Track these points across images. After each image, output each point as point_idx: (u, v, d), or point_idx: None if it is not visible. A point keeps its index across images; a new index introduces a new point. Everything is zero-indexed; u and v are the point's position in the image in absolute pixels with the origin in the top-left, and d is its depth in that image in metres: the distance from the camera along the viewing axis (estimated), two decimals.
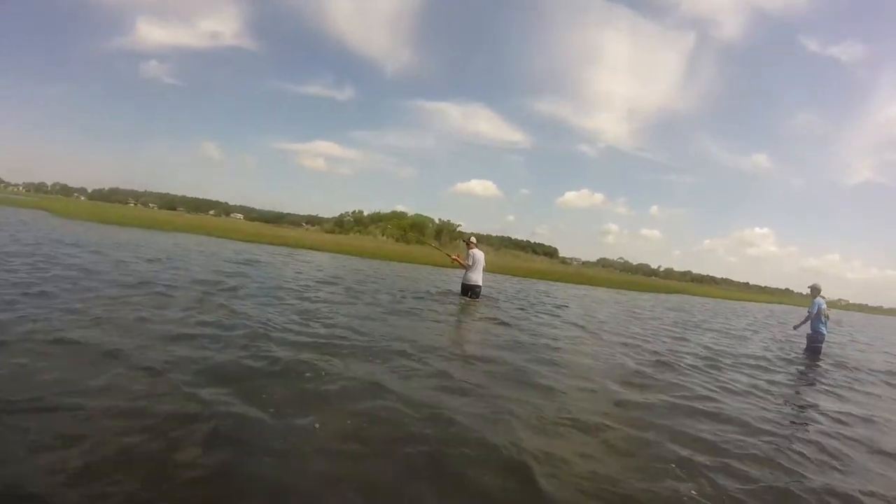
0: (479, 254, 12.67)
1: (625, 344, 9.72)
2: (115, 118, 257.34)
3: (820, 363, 10.82)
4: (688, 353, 9.64)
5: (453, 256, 13.95)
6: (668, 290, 47.15)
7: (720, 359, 9.44)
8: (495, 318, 10.51)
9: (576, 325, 11.83)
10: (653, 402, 5.59)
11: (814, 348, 11.61)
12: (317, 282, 13.46)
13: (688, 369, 7.88)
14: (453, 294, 13.93)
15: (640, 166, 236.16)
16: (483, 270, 12.94)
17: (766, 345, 13.37)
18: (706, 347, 10.95)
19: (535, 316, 12.54)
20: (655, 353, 9.03)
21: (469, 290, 12.76)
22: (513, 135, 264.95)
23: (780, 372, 9.06)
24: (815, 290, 11.64)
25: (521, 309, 13.55)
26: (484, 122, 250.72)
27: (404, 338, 7.18)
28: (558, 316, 13.34)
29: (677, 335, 12.66)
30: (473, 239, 13.02)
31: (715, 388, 6.75)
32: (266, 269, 15.31)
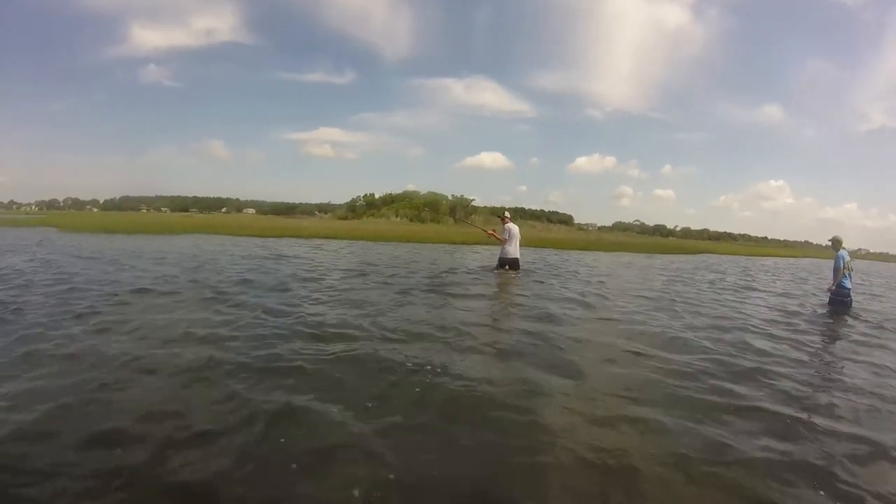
0: (514, 227, 13.03)
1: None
2: (119, 127, 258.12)
3: (847, 318, 10.10)
4: None
5: (489, 231, 14.44)
6: (694, 251, 45.57)
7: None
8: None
9: (644, 297, 11.26)
10: None
11: (838, 303, 11.03)
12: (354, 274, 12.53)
13: None
14: (488, 270, 14.10)
15: (650, 127, 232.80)
16: (518, 244, 13.25)
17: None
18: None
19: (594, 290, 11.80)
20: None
21: (507, 263, 13.17)
22: (518, 104, 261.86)
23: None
24: (837, 243, 11.08)
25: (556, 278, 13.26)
26: (488, 94, 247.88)
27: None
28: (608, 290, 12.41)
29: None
30: (507, 213, 13.43)
31: None
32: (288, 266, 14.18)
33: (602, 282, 14.01)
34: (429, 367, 4.77)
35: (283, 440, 3.23)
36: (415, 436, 3.42)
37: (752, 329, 8.06)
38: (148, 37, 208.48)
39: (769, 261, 44.24)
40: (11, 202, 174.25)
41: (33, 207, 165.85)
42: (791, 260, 51.19)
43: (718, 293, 13.36)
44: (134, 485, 2.68)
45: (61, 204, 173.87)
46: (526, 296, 9.87)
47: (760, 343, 6.91)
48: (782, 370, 5.57)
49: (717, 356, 5.93)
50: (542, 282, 12.56)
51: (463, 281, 11.81)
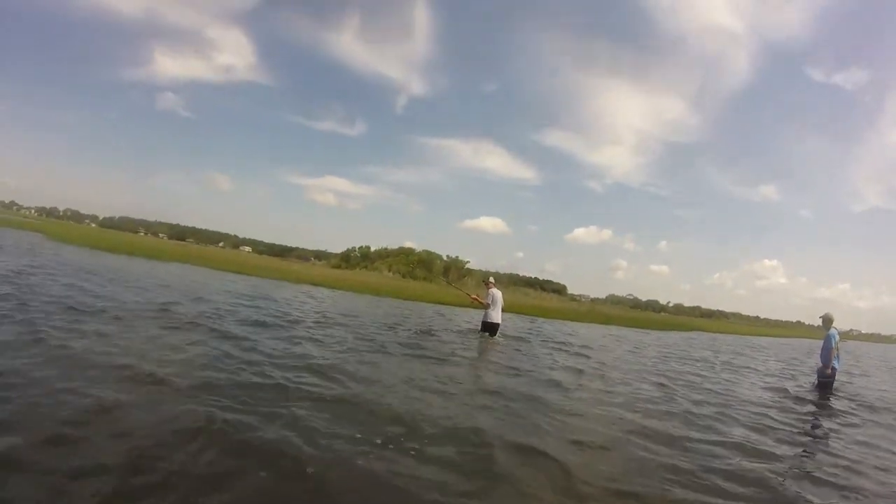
0: (497, 293, 13.47)
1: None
2: (129, 147, 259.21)
3: (831, 399, 10.16)
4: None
5: (473, 296, 14.38)
6: (686, 328, 44.90)
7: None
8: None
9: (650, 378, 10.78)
10: None
11: (824, 383, 10.93)
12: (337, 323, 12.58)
13: None
14: (473, 332, 14.36)
15: (648, 201, 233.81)
16: (501, 309, 13.65)
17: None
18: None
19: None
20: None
21: (489, 328, 13.46)
22: (522, 171, 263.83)
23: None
24: (828, 322, 10.81)
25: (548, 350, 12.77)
26: (493, 158, 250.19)
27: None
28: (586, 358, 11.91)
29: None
30: (492, 279, 14.17)
31: None
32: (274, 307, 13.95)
33: (590, 356, 13.59)
34: None
35: None
36: None
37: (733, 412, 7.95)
38: (169, 64, 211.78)
39: (762, 340, 44.37)
40: (12, 203, 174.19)
41: (33, 212, 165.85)
42: (782, 339, 50.61)
43: (710, 371, 13.47)
44: None
45: (60, 213, 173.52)
46: (508, 366, 9.63)
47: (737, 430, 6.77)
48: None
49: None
50: (531, 354, 12.14)
51: (447, 341, 12.06)
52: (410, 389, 6.54)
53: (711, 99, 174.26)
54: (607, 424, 6.20)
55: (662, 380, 10.35)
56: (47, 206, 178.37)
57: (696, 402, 8.13)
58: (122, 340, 6.97)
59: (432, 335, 13.09)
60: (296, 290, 22.76)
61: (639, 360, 14.16)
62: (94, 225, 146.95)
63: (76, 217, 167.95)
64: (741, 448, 5.79)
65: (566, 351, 13.98)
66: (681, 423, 6.67)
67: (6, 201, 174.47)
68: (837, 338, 10.60)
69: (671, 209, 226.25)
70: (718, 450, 5.59)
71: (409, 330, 13.54)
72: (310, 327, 11.33)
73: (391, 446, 4.37)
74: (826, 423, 8.13)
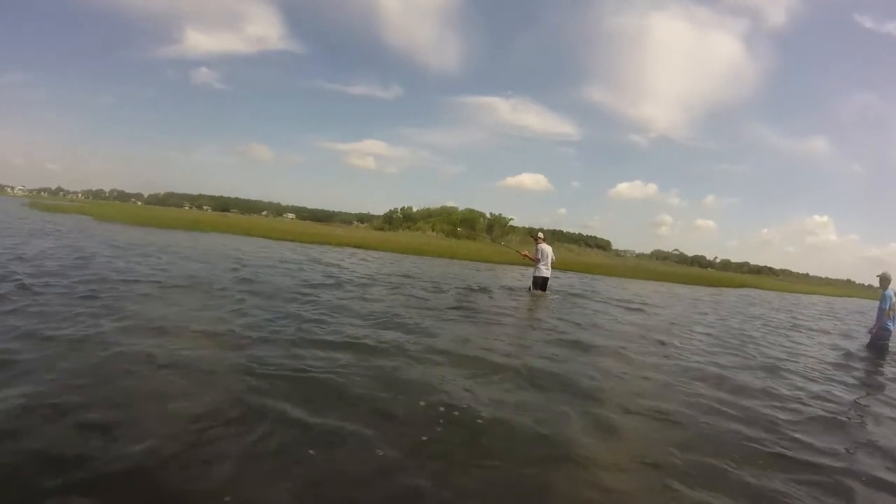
0: (546, 248, 13.24)
1: None
2: (169, 124, 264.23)
3: (884, 363, 9.48)
4: None
5: (523, 253, 14.39)
6: (737, 284, 43.39)
7: None
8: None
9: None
10: None
11: (879, 346, 10.38)
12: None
13: None
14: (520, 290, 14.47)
15: (693, 156, 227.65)
16: (552, 264, 13.49)
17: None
18: None
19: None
20: None
21: (539, 284, 13.34)
22: (562, 127, 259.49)
23: None
24: (885, 280, 10.24)
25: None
26: (532, 115, 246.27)
27: None
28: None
29: None
30: (541, 234, 13.77)
31: None
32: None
33: (658, 314, 13.34)
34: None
35: None
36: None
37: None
38: (201, 40, 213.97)
39: (813, 298, 42.93)
40: (59, 189, 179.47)
41: (80, 196, 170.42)
42: (834, 299, 48.30)
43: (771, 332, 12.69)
44: None
45: (107, 195, 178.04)
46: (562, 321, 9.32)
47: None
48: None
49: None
50: (589, 311, 11.83)
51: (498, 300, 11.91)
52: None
53: (759, 42, 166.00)
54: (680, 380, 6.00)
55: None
56: (93, 188, 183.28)
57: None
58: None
59: (489, 294, 12.97)
60: (342, 254, 22.25)
61: (704, 319, 13.65)
62: (139, 203, 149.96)
63: (122, 197, 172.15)
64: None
65: (627, 307, 13.86)
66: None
67: (53, 188, 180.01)
68: (894, 298, 10.04)
69: (717, 163, 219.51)
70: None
71: (463, 288, 13.46)
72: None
73: None
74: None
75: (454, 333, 7.16)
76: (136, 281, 8.60)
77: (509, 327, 8.52)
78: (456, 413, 3.98)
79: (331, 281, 11.73)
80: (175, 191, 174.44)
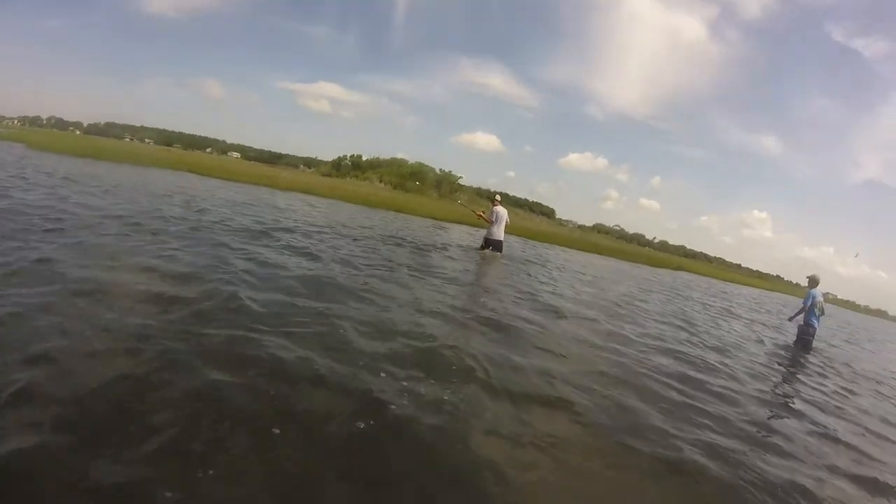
0: (501, 210, 13.70)
1: None
2: (116, 52, 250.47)
3: (809, 357, 10.17)
4: None
5: (478, 213, 14.76)
6: (674, 266, 44.93)
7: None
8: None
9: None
10: None
11: (804, 341, 11.02)
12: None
13: None
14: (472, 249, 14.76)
15: (648, 135, 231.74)
16: (505, 225, 13.90)
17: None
18: None
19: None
20: None
21: (491, 244, 13.90)
22: (522, 91, 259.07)
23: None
24: (813, 282, 11.12)
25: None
26: (494, 75, 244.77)
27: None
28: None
29: None
30: (498, 197, 14.34)
31: None
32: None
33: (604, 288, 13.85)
34: None
35: None
36: None
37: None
38: None
39: (744, 289, 44.81)
40: None
41: (16, 122, 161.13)
42: (765, 292, 50.70)
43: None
44: None
45: (44, 122, 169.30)
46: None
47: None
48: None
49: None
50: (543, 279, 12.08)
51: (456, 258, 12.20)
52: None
53: (727, 33, 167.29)
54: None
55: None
56: (30, 115, 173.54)
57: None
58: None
59: (438, 250, 13.10)
60: (289, 198, 21.85)
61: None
62: (78, 132, 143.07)
63: (60, 125, 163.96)
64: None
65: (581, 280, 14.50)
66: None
67: None
68: (819, 297, 10.90)
69: (670, 146, 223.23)
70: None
71: (414, 245, 13.23)
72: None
73: None
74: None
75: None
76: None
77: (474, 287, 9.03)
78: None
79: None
80: (117, 121, 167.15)
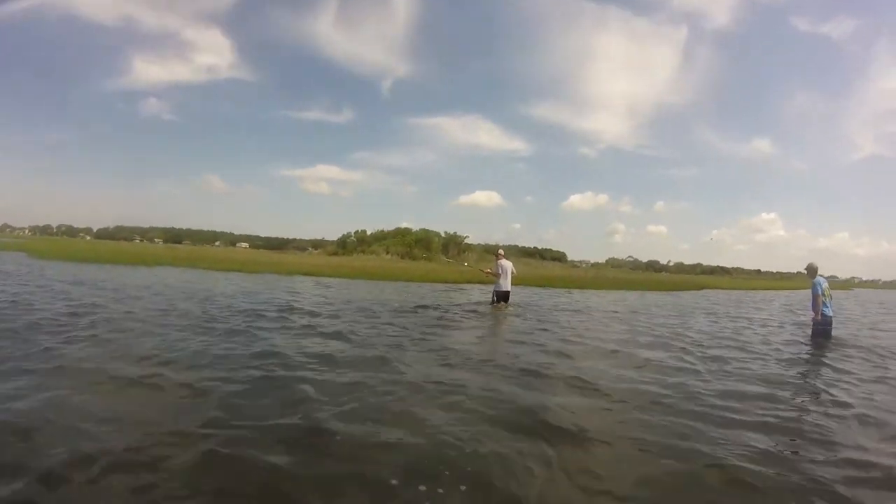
0: (506, 263, 14.07)
1: None
2: (118, 157, 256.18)
3: (829, 347, 10.02)
4: None
5: (485, 271, 15.18)
6: (697, 286, 43.59)
7: None
8: None
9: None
10: None
11: (821, 331, 10.75)
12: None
13: None
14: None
15: (643, 163, 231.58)
16: (512, 275, 14.27)
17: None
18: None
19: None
20: None
21: (500, 297, 14.19)
22: (513, 143, 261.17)
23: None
24: (812, 271, 10.82)
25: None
26: (484, 133, 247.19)
27: None
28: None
29: None
30: (501, 251, 14.68)
31: None
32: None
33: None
34: None
35: None
36: None
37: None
38: (150, 70, 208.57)
39: (769, 294, 43.65)
40: (5, 226, 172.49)
41: (26, 232, 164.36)
42: (791, 292, 49.20)
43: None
44: None
45: (55, 230, 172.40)
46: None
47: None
48: None
49: None
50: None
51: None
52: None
53: (699, 51, 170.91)
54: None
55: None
56: (41, 224, 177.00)
57: None
58: None
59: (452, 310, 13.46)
60: (286, 283, 21.25)
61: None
62: (88, 238, 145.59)
63: (70, 232, 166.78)
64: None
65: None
66: None
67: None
68: (825, 284, 10.54)
69: (666, 169, 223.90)
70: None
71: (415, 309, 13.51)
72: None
73: None
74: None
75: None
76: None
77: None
78: None
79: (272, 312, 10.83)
80: (125, 224, 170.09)
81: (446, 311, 13.17)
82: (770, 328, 14.16)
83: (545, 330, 10.66)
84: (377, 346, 7.55)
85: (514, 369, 6.60)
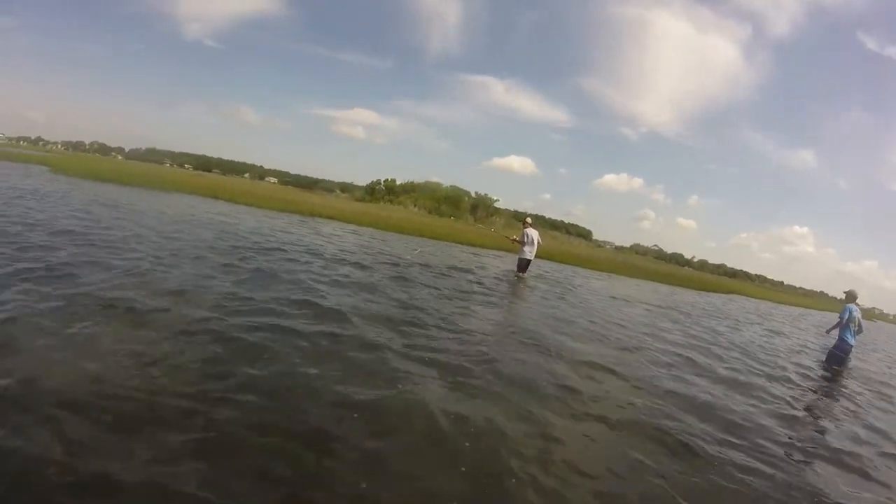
0: (532, 232, 14.12)
1: None
2: (156, 79, 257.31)
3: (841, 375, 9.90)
4: None
5: (512, 238, 15.01)
6: (725, 290, 42.31)
7: None
8: None
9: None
10: None
11: (837, 357, 10.52)
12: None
13: None
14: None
15: (682, 154, 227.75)
16: (538, 246, 14.39)
17: None
18: None
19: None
20: None
21: (523, 266, 14.37)
22: (555, 113, 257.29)
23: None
24: (851, 297, 10.63)
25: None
26: (526, 98, 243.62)
27: None
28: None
29: None
30: (529, 219, 14.57)
31: None
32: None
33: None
34: None
35: None
36: None
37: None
38: None
39: (809, 311, 42.22)
40: (39, 139, 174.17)
41: (59, 147, 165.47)
42: (823, 313, 47.45)
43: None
44: None
45: (87, 147, 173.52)
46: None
47: None
48: None
49: None
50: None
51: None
52: None
53: (759, 49, 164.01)
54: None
55: None
56: (74, 140, 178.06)
57: None
58: None
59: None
60: (303, 227, 20.10)
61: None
62: (119, 157, 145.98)
63: (103, 150, 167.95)
64: None
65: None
66: None
67: (33, 137, 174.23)
68: (856, 312, 10.33)
69: (705, 164, 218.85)
70: None
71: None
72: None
73: None
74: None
75: None
76: None
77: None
78: None
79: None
80: (158, 147, 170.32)
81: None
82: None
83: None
84: None
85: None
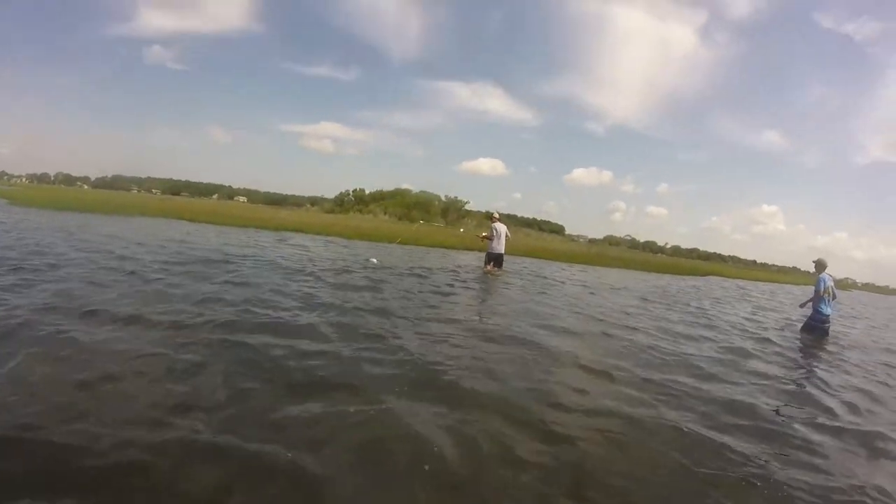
0: (500, 226, 14.41)
1: None
2: (120, 106, 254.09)
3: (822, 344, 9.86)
4: None
5: (481, 235, 15.39)
6: (702, 272, 42.72)
7: None
8: None
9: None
10: None
11: (816, 328, 10.57)
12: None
13: None
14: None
15: (649, 144, 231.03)
16: (506, 240, 14.62)
17: None
18: None
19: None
20: None
21: (492, 259, 14.59)
22: (521, 113, 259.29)
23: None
24: (821, 266, 10.63)
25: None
26: (493, 101, 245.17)
27: None
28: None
29: None
30: (496, 214, 15.06)
31: None
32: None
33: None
34: None
35: None
36: None
37: None
38: (155, 17, 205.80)
39: (770, 286, 42.48)
40: (3, 173, 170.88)
41: (23, 180, 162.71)
42: (790, 286, 48.26)
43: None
44: None
45: (52, 178, 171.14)
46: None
47: None
48: None
49: None
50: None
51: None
52: None
53: (718, 37, 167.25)
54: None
55: None
56: (38, 172, 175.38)
57: None
58: None
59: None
60: (268, 238, 19.99)
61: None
62: (85, 186, 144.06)
63: (68, 181, 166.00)
64: None
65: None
66: None
67: None
68: (829, 282, 10.43)
69: (673, 152, 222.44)
70: None
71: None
72: None
73: None
74: None
75: None
76: None
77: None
78: None
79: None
80: (124, 174, 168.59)
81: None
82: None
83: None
84: None
85: None
